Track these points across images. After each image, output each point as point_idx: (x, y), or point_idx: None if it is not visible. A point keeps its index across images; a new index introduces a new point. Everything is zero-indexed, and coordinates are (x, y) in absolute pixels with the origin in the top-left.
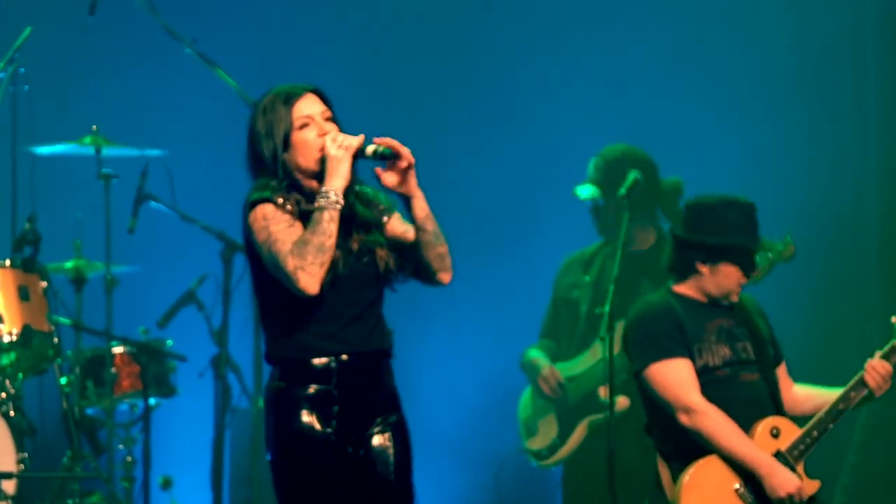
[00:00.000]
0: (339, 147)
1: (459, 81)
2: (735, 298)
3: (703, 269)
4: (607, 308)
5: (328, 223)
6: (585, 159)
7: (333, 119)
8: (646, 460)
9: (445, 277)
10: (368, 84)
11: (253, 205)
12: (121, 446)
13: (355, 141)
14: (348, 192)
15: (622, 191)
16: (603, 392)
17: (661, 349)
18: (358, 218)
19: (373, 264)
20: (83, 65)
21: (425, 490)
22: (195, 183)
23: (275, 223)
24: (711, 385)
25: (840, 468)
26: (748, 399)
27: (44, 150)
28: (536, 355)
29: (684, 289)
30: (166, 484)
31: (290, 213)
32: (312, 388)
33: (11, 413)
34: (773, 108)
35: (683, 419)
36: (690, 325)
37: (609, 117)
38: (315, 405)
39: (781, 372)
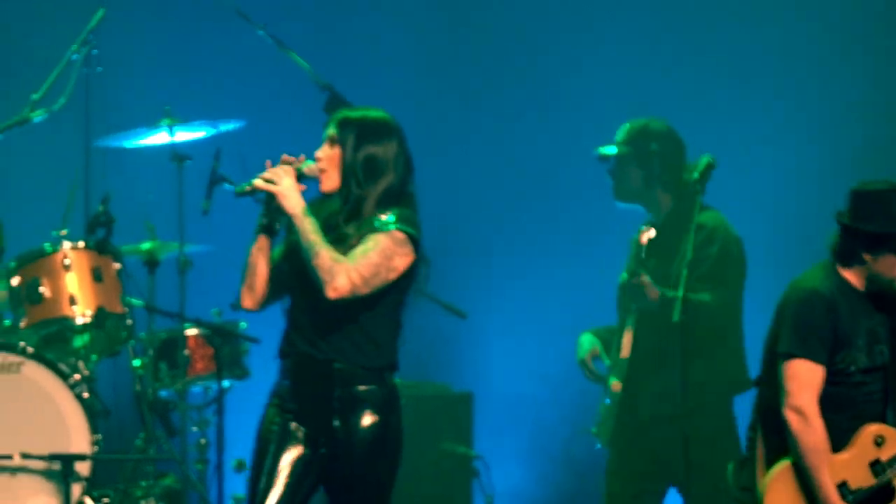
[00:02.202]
0: None
1: (516, 73)
2: None
3: (867, 257)
4: (681, 292)
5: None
6: None
7: (338, 140)
8: (669, 444)
9: (324, 292)
10: (436, 76)
11: None
12: (194, 428)
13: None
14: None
15: (695, 175)
16: (615, 386)
17: (807, 348)
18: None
19: None
20: (156, 46)
21: (500, 458)
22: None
23: None
24: (839, 387)
25: None
26: (864, 406)
27: (116, 142)
28: (584, 339)
29: (849, 275)
30: (240, 466)
31: None
32: (278, 385)
33: (85, 395)
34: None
35: (789, 415)
36: (847, 322)
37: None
38: (275, 399)
39: None
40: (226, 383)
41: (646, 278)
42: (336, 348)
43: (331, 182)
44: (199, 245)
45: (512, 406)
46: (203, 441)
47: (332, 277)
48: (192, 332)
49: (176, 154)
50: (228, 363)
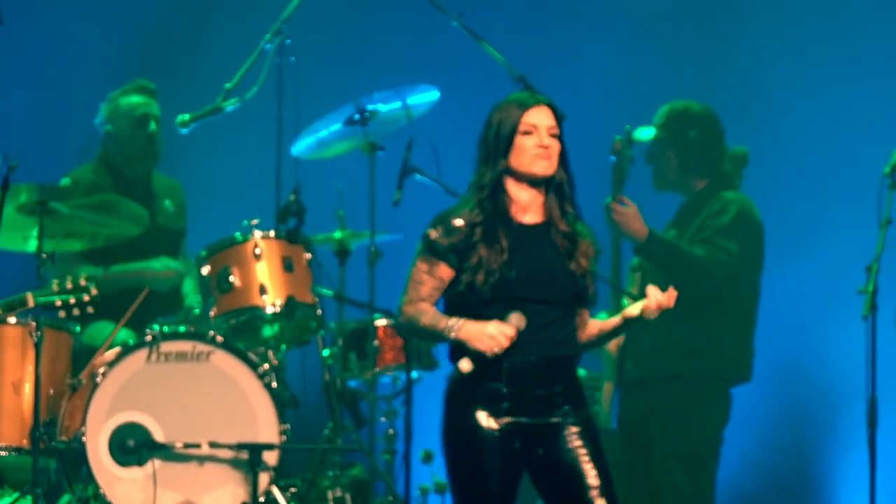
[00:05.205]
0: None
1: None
2: None
3: None
4: (871, 287)
5: (431, 336)
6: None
7: (559, 137)
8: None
9: None
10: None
11: (423, 235)
12: (383, 419)
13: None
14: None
15: (886, 169)
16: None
17: None
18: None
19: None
20: (349, 36)
21: None
22: (461, 156)
23: (418, 266)
24: None
25: None
26: None
27: (308, 141)
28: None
29: None
30: (427, 457)
31: (444, 248)
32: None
33: (274, 384)
34: None
35: None
36: None
37: None
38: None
39: None
40: (415, 374)
41: (629, 205)
42: (563, 342)
43: (552, 169)
44: (390, 235)
45: None
46: (391, 432)
47: None
48: (381, 322)
49: (368, 143)
50: (418, 354)
